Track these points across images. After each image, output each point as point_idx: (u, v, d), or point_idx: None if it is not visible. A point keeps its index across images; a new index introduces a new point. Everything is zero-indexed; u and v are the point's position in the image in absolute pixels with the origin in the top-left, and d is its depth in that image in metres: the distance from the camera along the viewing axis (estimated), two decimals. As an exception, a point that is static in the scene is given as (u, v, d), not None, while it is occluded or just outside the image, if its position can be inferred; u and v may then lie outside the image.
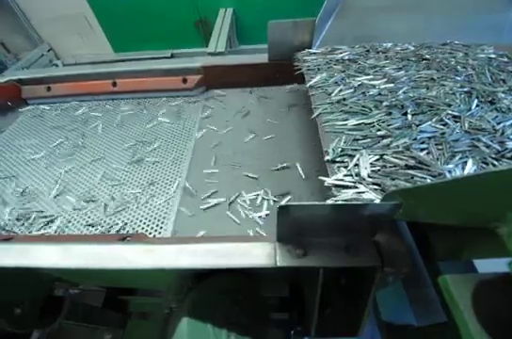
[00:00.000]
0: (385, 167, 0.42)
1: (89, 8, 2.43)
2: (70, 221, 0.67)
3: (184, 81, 0.99)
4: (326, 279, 0.42)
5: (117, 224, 0.65)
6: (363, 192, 0.37)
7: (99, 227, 0.65)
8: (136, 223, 0.65)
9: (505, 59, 0.84)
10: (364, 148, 0.47)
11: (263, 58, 1.03)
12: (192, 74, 1.00)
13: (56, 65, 2.52)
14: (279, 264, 0.40)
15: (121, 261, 0.43)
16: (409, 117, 0.57)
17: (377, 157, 0.44)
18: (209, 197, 0.70)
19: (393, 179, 0.39)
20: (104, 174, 0.78)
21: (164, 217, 0.66)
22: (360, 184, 0.39)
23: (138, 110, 1.00)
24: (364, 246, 0.42)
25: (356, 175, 0.40)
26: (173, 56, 2.43)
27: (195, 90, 1.01)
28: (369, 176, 0.40)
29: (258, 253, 0.41)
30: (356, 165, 0.42)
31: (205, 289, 0.49)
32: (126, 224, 0.65)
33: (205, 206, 0.67)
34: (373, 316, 0.67)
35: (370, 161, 0.42)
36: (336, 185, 0.43)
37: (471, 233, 0.37)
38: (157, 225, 0.64)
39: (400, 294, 0.60)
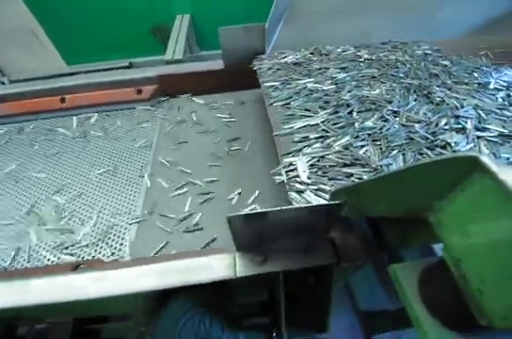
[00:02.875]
0: (325, 167, 0.43)
1: (36, 21, 2.29)
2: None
3: (139, 92, 0.96)
4: (293, 279, 0.43)
5: (71, 254, 0.61)
6: (302, 192, 0.39)
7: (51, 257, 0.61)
8: (92, 248, 0.62)
9: (439, 54, 0.92)
10: (307, 148, 0.48)
11: (219, 65, 1.03)
12: (147, 85, 0.97)
13: (3, 82, 2.35)
14: (238, 274, 0.40)
15: (73, 292, 0.41)
16: (354, 114, 0.60)
17: (318, 158, 0.45)
18: (178, 216, 0.67)
19: (331, 179, 0.41)
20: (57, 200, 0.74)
21: (122, 238, 0.63)
22: (301, 185, 0.40)
23: (88, 127, 0.95)
24: (321, 244, 0.43)
25: (295, 177, 0.42)
26: (132, 66, 2.36)
27: (152, 101, 0.98)
28: (308, 178, 0.41)
29: (218, 266, 0.41)
30: (295, 169, 0.43)
31: (171, 310, 0.47)
32: (81, 250, 0.62)
33: (166, 223, 0.64)
34: (351, 306, 0.69)
35: (309, 163, 0.43)
36: (290, 189, 0.44)
37: (412, 222, 0.40)
38: (115, 247, 0.61)
39: (374, 282, 0.62)
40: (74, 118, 0.97)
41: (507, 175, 0.22)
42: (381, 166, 0.44)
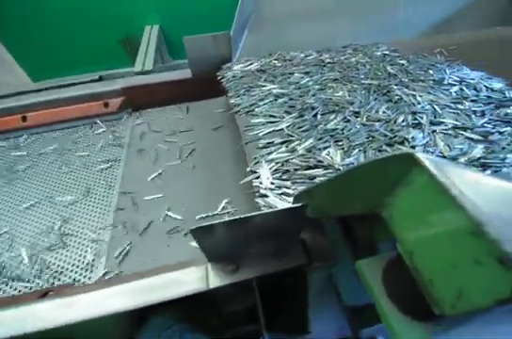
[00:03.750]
0: (289, 171, 0.44)
1: (-5, 37, 2.21)
2: None
3: (106, 105, 0.94)
4: (271, 284, 0.43)
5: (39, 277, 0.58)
6: (267, 197, 0.39)
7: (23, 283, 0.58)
8: (61, 272, 0.59)
9: (397, 54, 0.96)
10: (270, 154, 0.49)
11: (187, 74, 1.03)
12: (114, 97, 0.95)
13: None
14: (211, 286, 0.39)
15: (40, 322, 0.38)
16: (318, 117, 0.62)
17: (282, 163, 0.46)
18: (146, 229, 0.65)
19: (294, 182, 0.42)
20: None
21: (93, 260, 0.60)
22: (265, 191, 0.41)
23: (49, 147, 0.90)
24: (292, 247, 0.44)
25: (260, 183, 0.42)
26: (102, 79, 2.31)
27: (120, 114, 0.96)
28: (272, 183, 0.42)
29: (190, 279, 0.40)
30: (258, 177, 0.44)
31: (150, 329, 0.46)
32: (50, 275, 0.59)
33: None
34: (338, 303, 0.70)
35: (274, 168, 0.44)
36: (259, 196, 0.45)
37: (374, 218, 0.41)
38: (86, 269, 0.59)
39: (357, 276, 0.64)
40: (35, 136, 0.93)
41: (440, 169, 0.23)
42: (343, 166, 0.45)
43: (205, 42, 0.95)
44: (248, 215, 0.34)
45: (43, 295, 0.46)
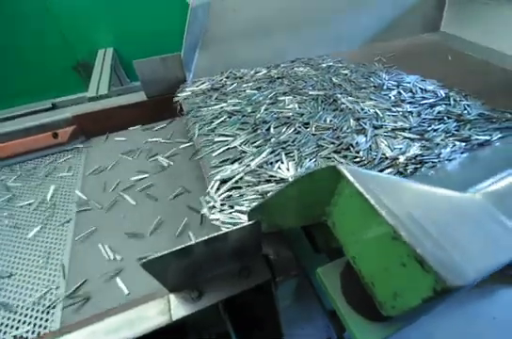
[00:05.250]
0: (241, 188, 0.45)
1: None
2: None
3: (55, 136, 0.89)
4: (241, 301, 0.42)
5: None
6: (220, 218, 0.39)
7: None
8: (13, 326, 0.53)
9: (340, 65, 1.04)
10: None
11: (142, 96, 1.02)
12: (64, 127, 0.91)
13: None
14: (174, 317, 0.38)
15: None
16: (272, 130, 0.64)
17: (237, 180, 0.47)
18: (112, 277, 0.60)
19: (246, 200, 0.42)
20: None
21: (48, 307, 0.55)
22: (216, 210, 0.41)
23: None
24: (255, 263, 0.43)
25: (214, 207, 0.42)
26: (55, 106, 2.21)
27: (70, 144, 0.92)
28: (222, 204, 0.42)
29: (151, 314, 0.38)
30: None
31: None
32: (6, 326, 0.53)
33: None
34: (321, 308, 0.70)
35: (226, 186, 0.45)
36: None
37: (326, 227, 0.43)
38: (41, 318, 0.53)
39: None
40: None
41: (361, 180, 0.25)
42: (295, 177, 0.47)
43: (155, 65, 0.96)
44: (189, 243, 0.33)
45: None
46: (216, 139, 0.59)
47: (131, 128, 1.00)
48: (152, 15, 2.38)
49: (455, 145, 0.60)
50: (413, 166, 0.52)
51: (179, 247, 0.33)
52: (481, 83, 0.91)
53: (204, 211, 0.43)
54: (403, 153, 0.54)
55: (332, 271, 0.38)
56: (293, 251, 0.44)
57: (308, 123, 0.66)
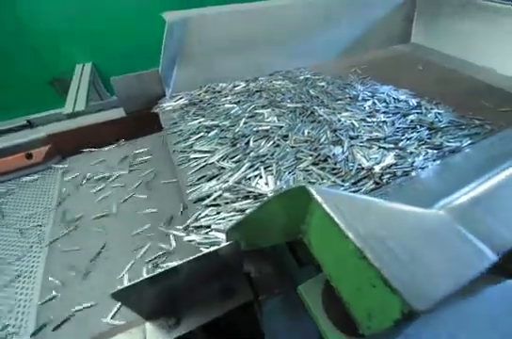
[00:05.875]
0: (219, 205, 0.45)
1: None
2: None
3: (29, 156, 0.86)
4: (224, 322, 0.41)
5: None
6: (193, 241, 0.38)
7: None
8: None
9: (317, 77, 1.07)
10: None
11: (121, 113, 1.01)
12: (38, 147, 0.88)
13: None
14: (150, 348, 0.36)
15: None
16: (251, 144, 0.64)
17: (215, 197, 0.46)
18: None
19: (223, 218, 0.42)
20: None
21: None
22: (189, 234, 0.40)
23: None
24: (237, 282, 0.42)
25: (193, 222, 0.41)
26: (31, 123, 2.14)
27: (46, 164, 0.88)
28: (196, 226, 0.41)
29: (126, 345, 0.36)
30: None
31: None
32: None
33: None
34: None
35: (204, 203, 0.44)
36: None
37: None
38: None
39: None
40: None
41: (329, 201, 0.25)
42: (274, 192, 0.47)
43: (133, 81, 0.95)
44: (162, 270, 0.32)
45: None
46: (193, 156, 0.59)
47: (106, 148, 0.96)
48: (131, 30, 2.39)
49: (427, 153, 0.62)
50: (388, 175, 0.53)
51: (151, 274, 0.31)
52: (450, 91, 0.96)
53: (178, 233, 0.42)
54: (378, 163, 0.55)
55: (314, 287, 0.38)
56: (281, 267, 0.43)
57: (287, 136, 0.67)
